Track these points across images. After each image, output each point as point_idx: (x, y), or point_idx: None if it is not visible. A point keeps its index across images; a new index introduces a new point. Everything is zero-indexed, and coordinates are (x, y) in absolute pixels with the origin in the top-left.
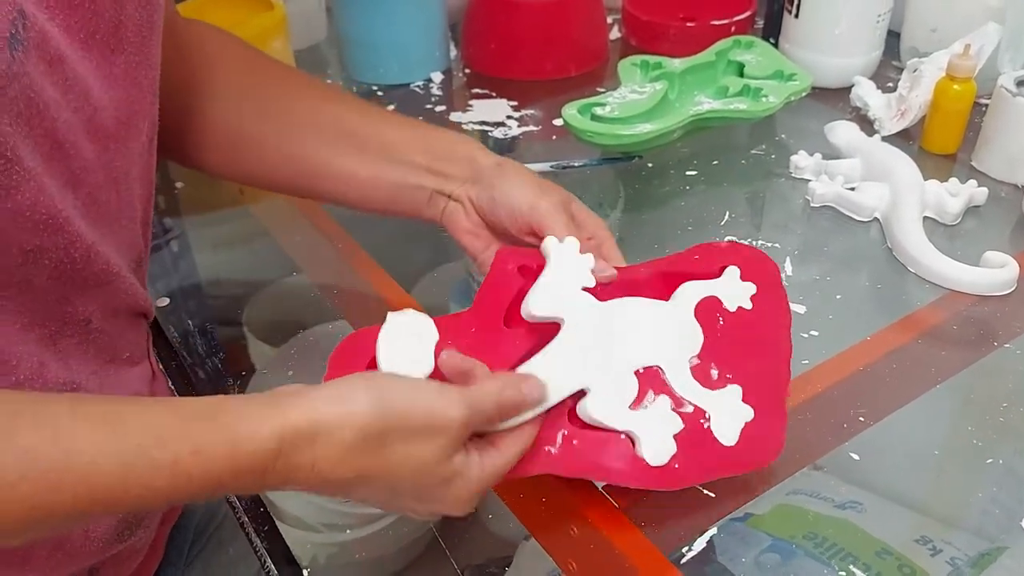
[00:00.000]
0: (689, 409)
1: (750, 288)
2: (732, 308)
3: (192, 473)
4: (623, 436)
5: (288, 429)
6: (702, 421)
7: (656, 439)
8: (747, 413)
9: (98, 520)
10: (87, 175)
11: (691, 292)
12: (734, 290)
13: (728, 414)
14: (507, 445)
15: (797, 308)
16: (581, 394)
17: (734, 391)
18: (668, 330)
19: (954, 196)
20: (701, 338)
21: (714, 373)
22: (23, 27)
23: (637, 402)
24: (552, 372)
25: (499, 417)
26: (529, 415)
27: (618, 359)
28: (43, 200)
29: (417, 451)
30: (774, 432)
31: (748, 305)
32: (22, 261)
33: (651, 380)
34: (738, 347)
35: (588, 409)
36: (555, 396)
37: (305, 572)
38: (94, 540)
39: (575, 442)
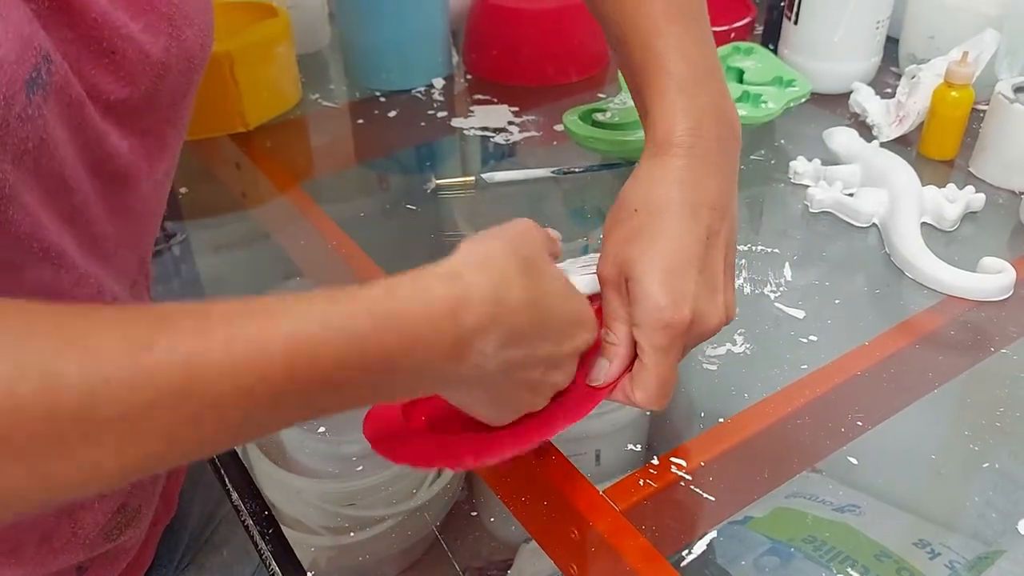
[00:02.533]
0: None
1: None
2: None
3: (390, 311)
4: None
5: (458, 259)
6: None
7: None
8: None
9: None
10: (87, 209)
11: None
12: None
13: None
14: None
15: (796, 313)
16: None
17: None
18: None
19: (952, 202)
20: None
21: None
22: (47, 71)
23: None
24: None
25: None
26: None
27: None
28: (39, 233)
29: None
30: (582, 401)
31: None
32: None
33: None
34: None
35: None
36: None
37: (309, 575)
38: (82, 537)
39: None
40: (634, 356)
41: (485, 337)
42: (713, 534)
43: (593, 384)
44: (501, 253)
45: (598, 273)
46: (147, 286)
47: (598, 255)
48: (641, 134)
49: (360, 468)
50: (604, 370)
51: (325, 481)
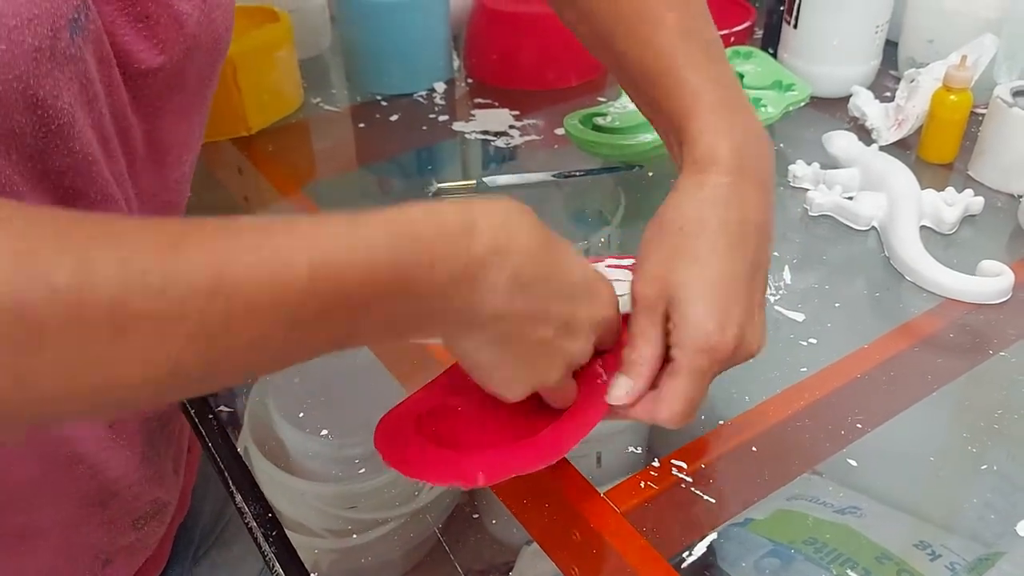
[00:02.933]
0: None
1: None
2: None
3: (400, 232)
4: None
5: (468, 206)
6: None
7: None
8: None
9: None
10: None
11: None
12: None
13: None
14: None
15: (795, 316)
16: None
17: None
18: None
19: (950, 205)
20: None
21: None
22: (85, 17)
23: None
24: None
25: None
26: None
27: None
28: (99, 184)
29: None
30: (582, 423)
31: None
32: None
33: None
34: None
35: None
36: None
37: None
38: (111, 525)
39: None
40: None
41: (496, 267)
42: (713, 536)
43: (614, 403)
44: (510, 205)
45: (634, 291)
46: None
47: (608, 262)
48: (641, 138)
49: (362, 471)
50: (627, 389)
51: (327, 484)
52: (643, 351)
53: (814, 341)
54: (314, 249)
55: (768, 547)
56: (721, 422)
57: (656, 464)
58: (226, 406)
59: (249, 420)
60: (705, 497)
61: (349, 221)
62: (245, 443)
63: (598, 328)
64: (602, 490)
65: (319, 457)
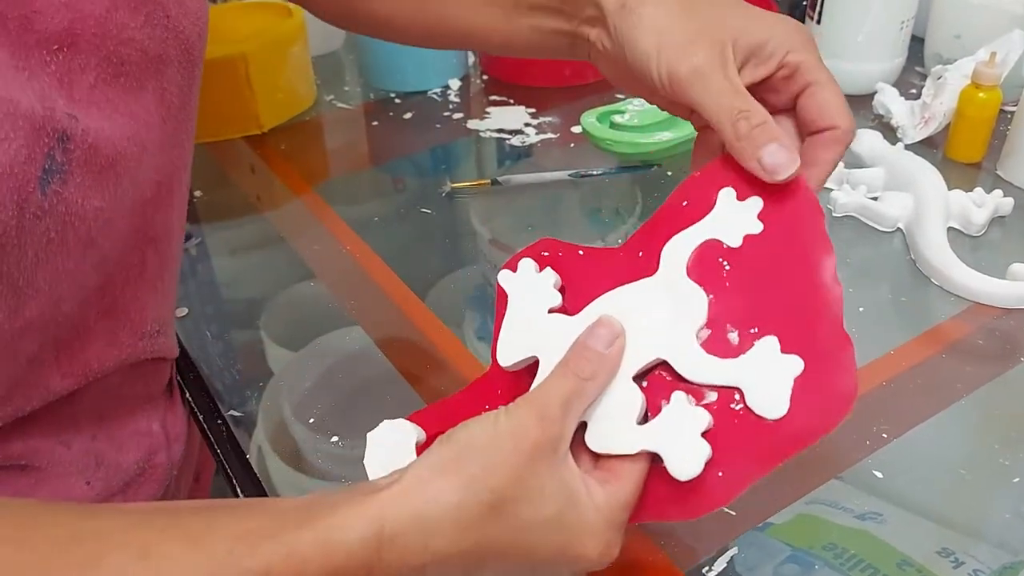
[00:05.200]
0: (713, 397)
1: (754, 205)
2: (736, 243)
3: None
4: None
5: (389, 509)
6: (734, 404)
7: (679, 447)
8: (793, 365)
9: None
10: (106, 266)
11: (678, 248)
12: (733, 218)
13: (765, 379)
14: (625, 472)
15: None
16: (584, 427)
17: (767, 345)
18: (659, 310)
19: (979, 206)
20: (704, 301)
21: (733, 336)
22: (63, 152)
23: (653, 413)
24: None
25: (576, 389)
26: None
27: None
28: (49, 311)
29: (536, 483)
30: (838, 373)
31: (757, 228)
32: (26, 364)
33: (656, 380)
34: (758, 288)
35: (589, 443)
36: None
37: None
38: None
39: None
40: None
41: None
42: (734, 551)
43: (787, 172)
44: (447, 501)
45: (669, 80)
46: (168, 329)
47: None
48: (659, 136)
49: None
50: (784, 155)
51: (339, 484)
52: (742, 107)
53: None
54: None
55: (787, 552)
56: None
57: None
58: (239, 408)
59: (262, 420)
60: (725, 509)
61: (229, 551)
62: (258, 443)
63: (586, 572)
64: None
65: (331, 457)
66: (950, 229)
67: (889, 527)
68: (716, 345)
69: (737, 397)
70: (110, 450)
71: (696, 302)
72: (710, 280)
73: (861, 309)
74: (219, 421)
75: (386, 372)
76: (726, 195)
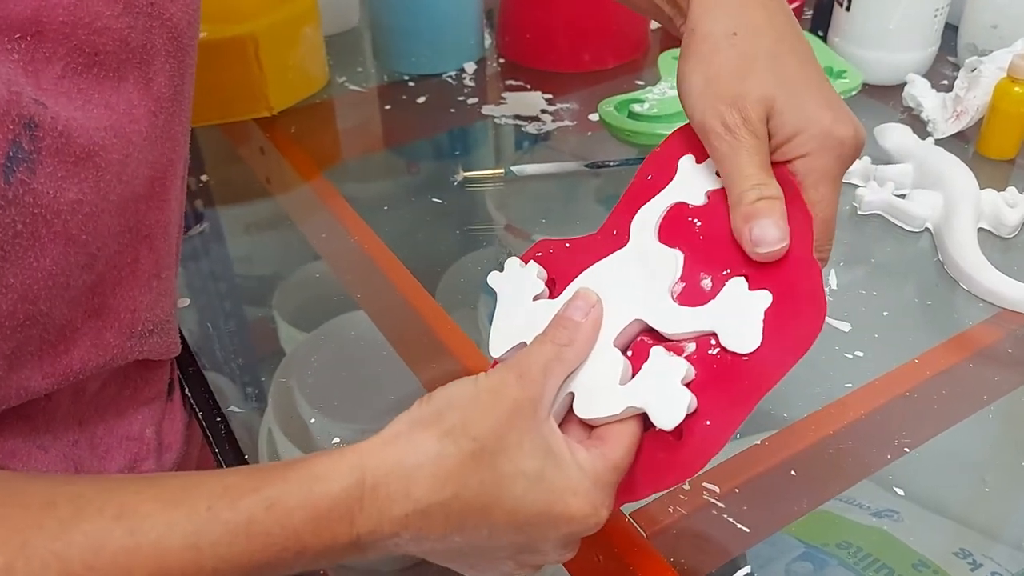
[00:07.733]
0: (692, 348)
1: (712, 165)
2: (701, 200)
3: (271, 531)
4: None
5: (370, 459)
6: (711, 350)
7: (660, 398)
8: (762, 299)
9: None
10: (97, 262)
11: (645, 217)
12: (694, 179)
13: (736, 316)
14: (613, 434)
15: (841, 326)
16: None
17: (735, 285)
18: (633, 276)
19: (1012, 207)
20: (676, 259)
21: (706, 283)
22: (30, 139)
23: (635, 373)
24: None
25: (557, 354)
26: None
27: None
28: (23, 309)
29: (516, 436)
30: (805, 298)
31: (718, 183)
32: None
33: (639, 346)
34: (729, 235)
35: (577, 411)
36: None
37: None
38: None
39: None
40: None
41: (393, 537)
42: (747, 569)
43: (767, 248)
44: (427, 449)
45: (703, 124)
46: (171, 328)
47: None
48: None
49: None
50: (776, 230)
51: None
52: (763, 177)
53: (860, 354)
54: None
55: (800, 549)
56: (757, 441)
57: (687, 487)
58: (251, 386)
59: (273, 402)
60: (738, 525)
61: (209, 516)
62: (269, 424)
63: (576, 536)
64: (628, 510)
65: (342, 440)
66: (980, 230)
67: (905, 526)
68: (690, 295)
69: (713, 342)
70: (91, 457)
71: (668, 261)
72: (683, 239)
73: (885, 313)
74: (219, 419)
75: (395, 355)
76: (686, 161)
